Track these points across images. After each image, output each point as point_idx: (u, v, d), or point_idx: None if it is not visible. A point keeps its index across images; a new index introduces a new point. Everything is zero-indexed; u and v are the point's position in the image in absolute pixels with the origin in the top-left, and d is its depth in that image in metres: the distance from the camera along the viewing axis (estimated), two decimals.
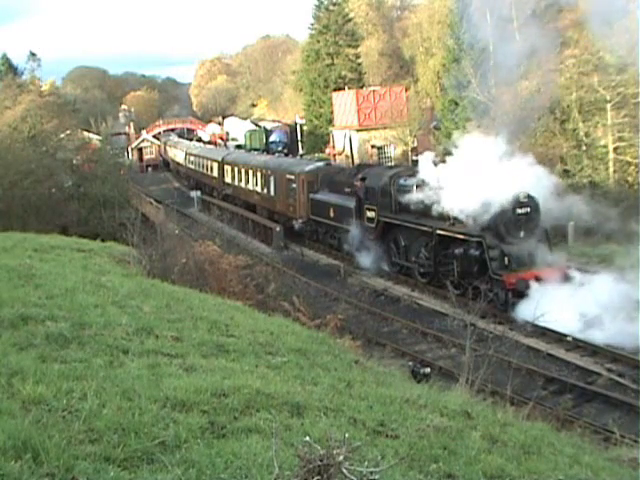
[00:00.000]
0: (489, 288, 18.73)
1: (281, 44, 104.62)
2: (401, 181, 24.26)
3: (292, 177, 31.99)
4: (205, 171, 47.46)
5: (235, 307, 11.72)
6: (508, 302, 18.88)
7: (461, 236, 20.76)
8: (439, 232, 21.63)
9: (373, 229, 25.34)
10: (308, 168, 31.79)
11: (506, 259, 19.53)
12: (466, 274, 20.22)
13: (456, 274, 20.69)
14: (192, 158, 52.15)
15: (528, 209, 19.87)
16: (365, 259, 25.70)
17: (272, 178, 34.45)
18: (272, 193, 34.56)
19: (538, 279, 18.65)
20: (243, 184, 39.06)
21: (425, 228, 22.42)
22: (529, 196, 19.88)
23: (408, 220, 23.45)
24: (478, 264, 19.92)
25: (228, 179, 42.11)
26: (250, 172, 37.89)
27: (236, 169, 40.60)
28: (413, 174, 23.82)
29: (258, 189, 36.57)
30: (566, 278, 18.84)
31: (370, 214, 25.45)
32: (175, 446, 4.41)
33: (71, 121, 46.18)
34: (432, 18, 62.76)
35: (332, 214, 28.28)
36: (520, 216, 19.82)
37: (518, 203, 19.83)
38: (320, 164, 33.09)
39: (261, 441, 4.61)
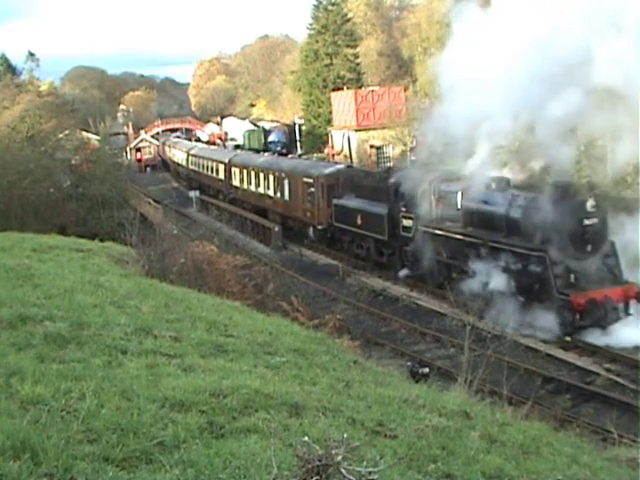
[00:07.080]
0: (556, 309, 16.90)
1: (280, 44, 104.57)
2: (442, 186, 21.83)
3: (310, 180, 30.07)
4: (209, 173, 45.93)
5: (234, 307, 11.72)
6: (575, 325, 16.82)
7: (519, 250, 18.21)
8: (492, 244, 19.08)
9: (410, 239, 22.86)
10: (328, 171, 29.72)
11: (572, 276, 17.20)
12: (525, 292, 17.91)
13: (514, 292, 18.23)
14: (194, 159, 50.61)
15: (596, 220, 17.49)
16: (400, 272, 23.93)
17: (286, 181, 32.68)
18: (287, 197, 32.60)
19: (609, 299, 16.60)
20: (253, 187, 37.34)
21: (474, 239, 19.81)
22: (597, 205, 17.54)
23: (452, 230, 20.94)
24: (540, 281, 17.55)
25: (236, 182, 40.45)
26: (261, 175, 36.13)
27: (245, 171, 38.94)
28: (456, 178, 21.49)
29: (270, 193, 34.81)
30: None
31: (407, 222, 23.12)
32: (174, 446, 4.41)
33: (70, 121, 45.98)
34: (431, 18, 62.83)
35: (360, 221, 25.81)
36: (587, 228, 17.39)
37: (585, 213, 17.41)
38: (341, 166, 31.14)
39: (260, 441, 4.62)
